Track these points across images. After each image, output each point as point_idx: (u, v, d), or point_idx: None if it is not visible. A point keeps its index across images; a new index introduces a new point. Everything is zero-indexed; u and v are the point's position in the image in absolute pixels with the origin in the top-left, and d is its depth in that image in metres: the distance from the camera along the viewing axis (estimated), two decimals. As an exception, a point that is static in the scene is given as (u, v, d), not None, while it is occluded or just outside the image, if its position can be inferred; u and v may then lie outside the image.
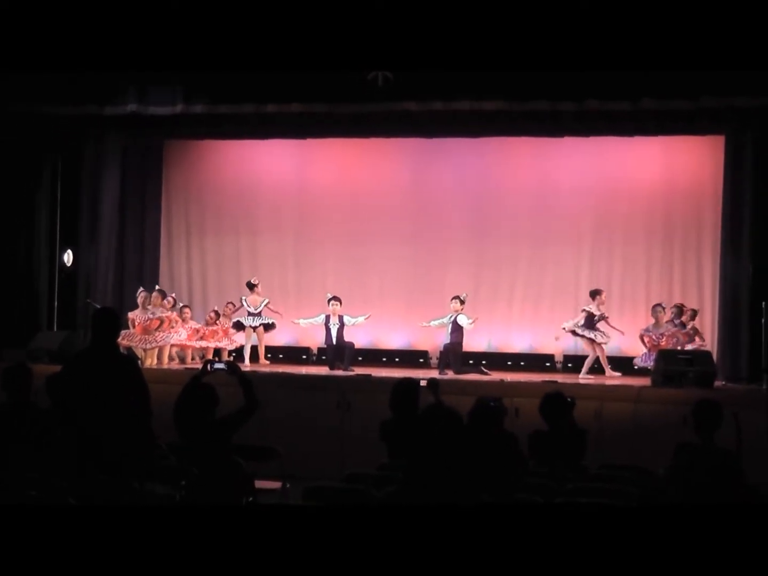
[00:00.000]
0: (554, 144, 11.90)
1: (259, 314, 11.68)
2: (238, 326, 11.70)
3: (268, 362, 11.58)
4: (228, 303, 11.99)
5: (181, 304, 11.93)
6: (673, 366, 9.48)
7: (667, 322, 10.72)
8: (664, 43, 7.84)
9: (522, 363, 11.91)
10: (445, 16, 7.79)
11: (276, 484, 6.39)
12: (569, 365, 11.73)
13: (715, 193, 11.43)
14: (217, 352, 11.62)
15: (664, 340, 10.54)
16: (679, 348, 10.28)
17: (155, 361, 11.02)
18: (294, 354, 12.34)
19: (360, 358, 11.66)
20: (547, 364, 11.88)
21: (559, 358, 12.00)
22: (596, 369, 10.86)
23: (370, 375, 10.07)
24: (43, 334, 11.50)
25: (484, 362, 11.39)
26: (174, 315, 11.39)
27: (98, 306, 9.95)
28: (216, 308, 11.97)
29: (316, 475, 6.15)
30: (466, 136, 11.93)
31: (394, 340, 12.56)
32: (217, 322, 11.70)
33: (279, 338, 12.24)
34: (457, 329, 10.94)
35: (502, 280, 12.45)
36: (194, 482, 5.26)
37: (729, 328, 10.79)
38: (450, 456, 3.50)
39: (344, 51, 8.06)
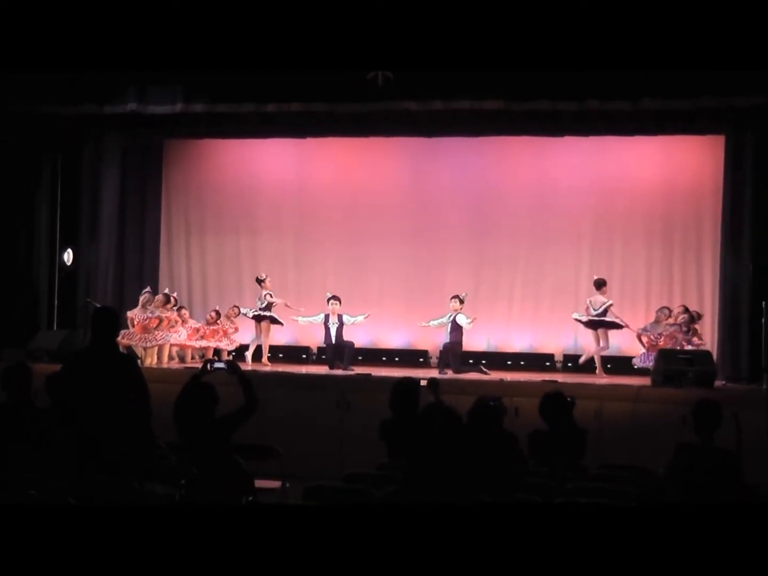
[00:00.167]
0: (554, 144, 11.90)
1: (267, 309, 11.63)
2: (259, 318, 11.64)
3: (269, 364, 11.56)
4: (233, 306, 11.97)
5: (178, 305, 11.93)
6: (673, 366, 9.48)
7: (672, 324, 10.66)
8: (664, 43, 7.83)
9: (522, 362, 11.91)
10: (445, 16, 7.78)
11: (276, 484, 6.39)
12: (569, 365, 11.74)
13: (715, 193, 11.42)
14: (217, 351, 11.61)
15: (662, 340, 10.53)
16: (678, 348, 10.28)
17: (155, 360, 11.03)
18: (294, 353, 12.33)
19: (360, 358, 11.66)
20: (547, 364, 11.88)
21: (558, 357, 12.01)
22: (596, 368, 10.86)
23: (369, 374, 10.07)
24: (42, 333, 11.51)
25: (483, 362, 11.39)
26: (174, 315, 11.39)
27: (98, 305, 9.94)
28: (217, 308, 11.96)
29: (316, 475, 6.14)
30: (466, 136, 11.93)
31: (393, 339, 12.56)
32: (218, 321, 11.69)
33: (279, 338, 12.23)
34: (456, 329, 10.94)
35: (502, 279, 12.45)
36: (194, 482, 5.26)
37: (729, 328, 10.79)
38: (450, 455, 3.50)
39: (344, 51, 8.06)
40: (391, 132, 11.82)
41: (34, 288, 12.00)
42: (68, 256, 12.19)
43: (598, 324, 10.81)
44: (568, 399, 6.14)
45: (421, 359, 12.22)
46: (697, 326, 10.80)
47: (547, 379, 9.89)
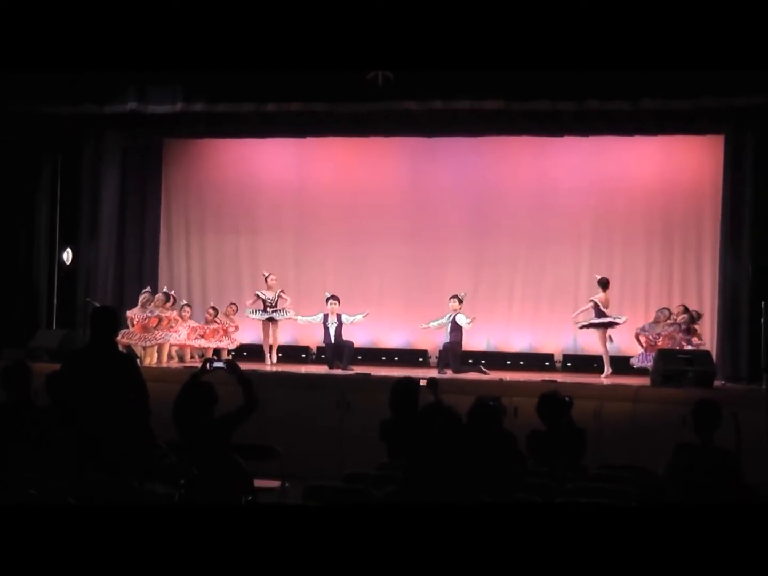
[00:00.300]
0: (554, 143, 11.90)
1: (274, 306, 11.61)
2: (271, 319, 11.63)
3: (274, 362, 11.53)
4: (231, 304, 11.97)
5: (183, 302, 11.94)
6: (673, 365, 9.48)
7: (672, 324, 10.65)
8: (663, 43, 7.83)
9: (521, 362, 11.91)
10: (445, 16, 7.78)
11: (275, 484, 6.39)
12: (568, 364, 11.75)
13: (715, 193, 11.43)
14: (217, 350, 11.61)
15: (661, 340, 10.53)
16: (677, 348, 10.28)
17: (154, 359, 11.03)
18: (293, 353, 12.33)
19: (359, 357, 11.66)
20: (547, 364, 11.89)
21: (558, 357, 12.01)
22: (596, 368, 10.87)
23: (369, 374, 10.07)
24: (42, 332, 11.51)
25: (483, 361, 11.39)
26: (173, 314, 11.38)
27: (97, 305, 9.95)
28: (213, 304, 11.94)
29: (316, 475, 6.15)
30: (466, 136, 11.93)
31: (393, 339, 12.57)
32: (216, 319, 11.68)
33: (278, 337, 12.22)
34: (456, 328, 10.94)
35: (502, 279, 12.45)
36: (193, 481, 5.26)
37: (728, 328, 10.80)
38: (449, 455, 3.50)
39: (344, 51, 8.05)
40: (391, 132, 11.83)
41: (33, 287, 12.01)
42: (68, 256, 12.20)
43: (594, 326, 10.86)
44: (566, 399, 6.15)
45: (421, 359, 12.22)
46: (696, 326, 10.81)
47: (546, 379, 9.89)
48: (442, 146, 12.34)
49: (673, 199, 11.97)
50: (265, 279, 11.71)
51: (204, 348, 11.60)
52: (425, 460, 3.51)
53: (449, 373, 10.60)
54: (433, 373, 10.20)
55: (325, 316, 11.28)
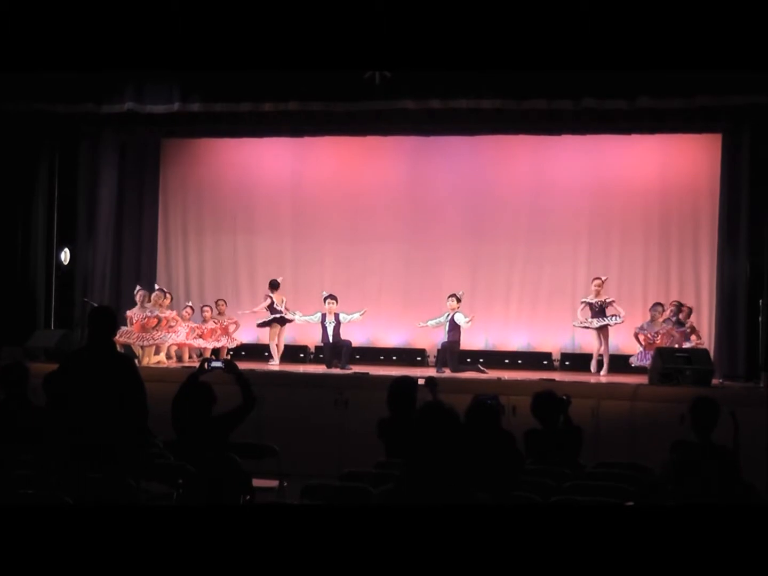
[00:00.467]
0: (551, 142, 11.90)
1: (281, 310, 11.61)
2: (282, 322, 11.61)
3: (277, 363, 11.52)
4: (219, 300, 11.92)
5: (188, 303, 11.93)
6: (671, 364, 9.48)
7: (664, 320, 10.69)
8: (660, 42, 7.85)
9: (519, 361, 11.92)
10: (443, 16, 7.79)
11: (273, 483, 6.39)
12: (566, 363, 11.75)
13: (712, 191, 11.45)
14: (215, 350, 11.61)
15: (659, 338, 10.53)
16: (675, 346, 10.28)
17: (153, 358, 11.02)
18: (291, 352, 12.31)
19: (357, 357, 11.67)
20: (545, 362, 11.89)
21: (556, 356, 12.02)
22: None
23: (367, 373, 10.07)
24: (40, 332, 11.49)
25: (481, 360, 11.40)
26: (173, 314, 11.37)
27: (95, 304, 9.93)
28: (207, 304, 11.91)
29: (314, 474, 6.15)
30: (463, 134, 11.94)
31: (391, 338, 12.57)
32: (214, 319, 11.65)
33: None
34: (454, 327, 10.94)
35: (499, 278, 12.45)
36: (191, 480, 5.27)
37: (726, 326, 10.80)
38: (447, 454, 3.50)
39: (341, 50, 8.06)
40: (388, 131, 11.84)
41: (31, 287, 11.98)
42: (65, 255, 12.18)
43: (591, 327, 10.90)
44: (563, 398, 6.15)
45: (419, 358, 12.22)
46: (690, 320, 10.81)
47: (544, 377, 9.89)
48: (440, 145, 12.34)
49: (671, 198, 11.98)
50: (279, 284, 11.65)
51: (203, 348, 11.59)
52: (423, 459, 3.50)
53: (447, 372, 10.60)
54: (431, 372, 10.21)
55: (323, 316, 11.28)
